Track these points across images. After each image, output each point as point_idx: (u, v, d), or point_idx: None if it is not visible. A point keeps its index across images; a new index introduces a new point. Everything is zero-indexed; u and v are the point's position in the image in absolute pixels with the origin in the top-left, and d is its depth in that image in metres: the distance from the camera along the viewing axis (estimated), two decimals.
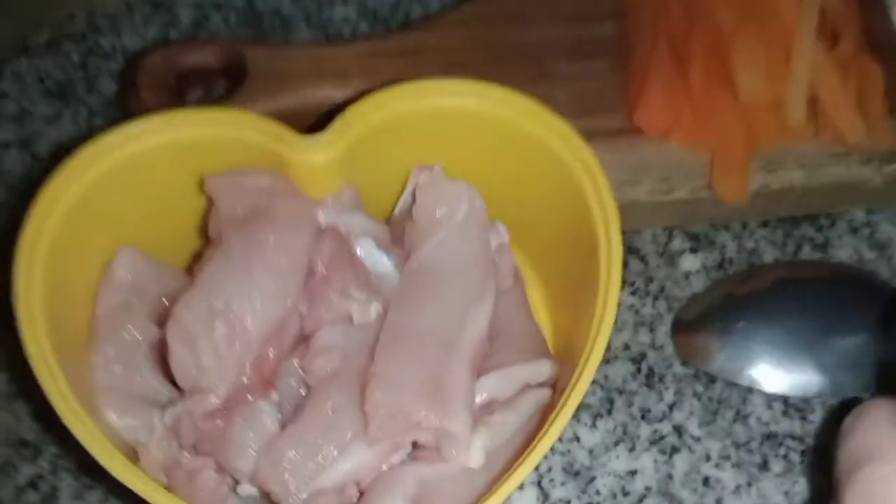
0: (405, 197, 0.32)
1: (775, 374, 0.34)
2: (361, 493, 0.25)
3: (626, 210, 0.36)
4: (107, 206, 0.28)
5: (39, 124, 0.40)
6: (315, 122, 0.38)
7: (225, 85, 0.40)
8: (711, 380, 0.34)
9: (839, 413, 0.33)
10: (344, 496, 0.25)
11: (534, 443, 0.24)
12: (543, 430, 0.25)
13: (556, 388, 0.29)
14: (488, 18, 0.41)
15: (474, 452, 0.25)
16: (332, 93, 0.38)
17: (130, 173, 0.28)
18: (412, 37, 0.40)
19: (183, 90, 0.40)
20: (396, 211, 0.33)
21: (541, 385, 0.29)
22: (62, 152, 0.38)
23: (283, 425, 0.26)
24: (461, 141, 0.31)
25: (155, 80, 0.38)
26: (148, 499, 0.23)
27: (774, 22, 0.39)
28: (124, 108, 0.39)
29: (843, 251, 0.39)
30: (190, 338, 0.26)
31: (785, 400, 0.34)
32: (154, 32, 0.44)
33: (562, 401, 0.25)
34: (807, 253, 0.38)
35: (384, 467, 0.26)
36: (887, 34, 0.43)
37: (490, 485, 0.25)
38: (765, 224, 0.39)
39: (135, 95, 0.38)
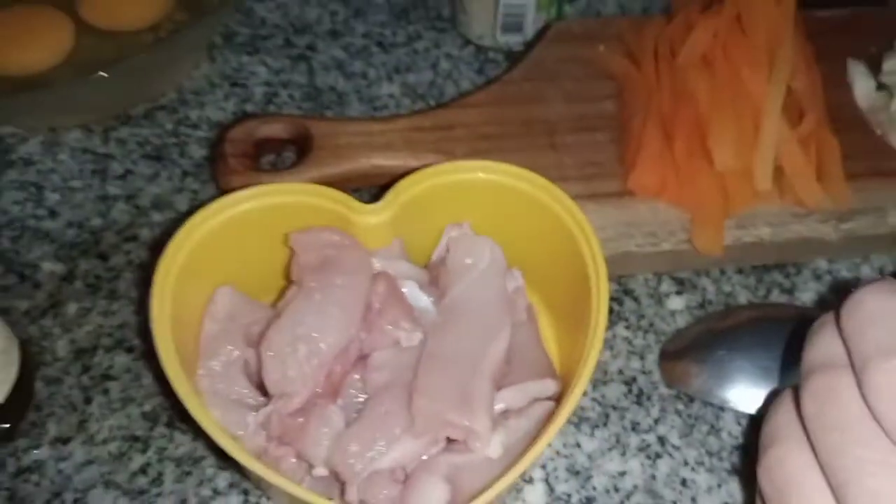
0: (440, 248, 0.40)
1: (744, 396, 0.40)
2: (407, 476, 0.33)
3: (620, 258, 0.44)
4: (214, 254, 0.36)
5: (141, 181, 0.49)
6: (366, 181, 0.47)
7: (294, 151, 0.49)
8: (690, 400, 0.41)
9: None
10: (394, 476, 0.33)
11: (536, 439, 0.32)
12: (544, 430, 0.32)
13: (560, 401, 0.37)
14: (509, 98, 0.49)
15: (494, 446, 0.33)
16: (381, 161, 0.46)
17: (233, 229, 0.36)
18: (445, 114, 0.49)
19: (258, 155, 0.48)
20: (433, 259, 0.41)
21: (548, 399, 0.37)
22: (161, 205, 0.47)
23: (347, 424, 0.34)
24: (485, 205, 0.39)
25: (238, 148, 0.47)
26: (250, 467, 0.30)
27: (746, 102, 0.46)
28: (213, 169, 0.48)
29: (808, 295, 0.46)
30: (279, 355, 0.34)
31: (751, 417, 0.41)
32: (233, 106, 0.52)
33: (558, 410, 0.33)
34: (776, 296, 0.46)
35: (424, 456, 0.33)
36: (850, 108, 0.51)
37: (505, 472, 0.32)
38: (740, 271, 0.46)
39: (222, 160, 0.46)
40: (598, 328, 0.34)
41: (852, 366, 0.27)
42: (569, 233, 0.37)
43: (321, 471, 0.33)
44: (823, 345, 0.28)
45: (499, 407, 0.35)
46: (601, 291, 0.35)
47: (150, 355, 0.42)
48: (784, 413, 0.29)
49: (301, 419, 0.34)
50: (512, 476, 0.30)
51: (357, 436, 0.33)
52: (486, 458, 0.33)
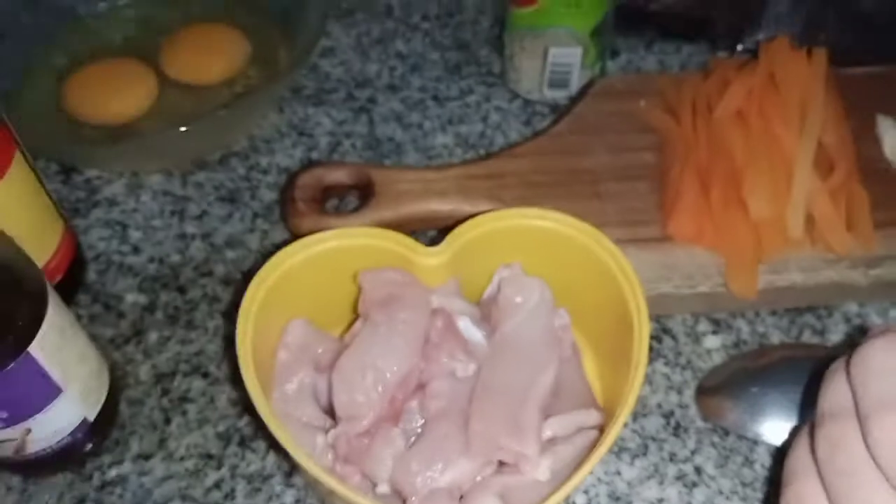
0: (492, 287, 0.44)
1: (777, 430, 0.43)
2: (462, 495, 0.36)
3: (659, 300, 0.47)
4: (290, 289, 0.40)
5: (216, 222, 0.53)
6: (423, 224, 0.51)
7: (356, 196, 0.53)
8: (726, 433, 0.44)
9: None
10: (452, 495, 0.36)
11: (581, 465, 0.35)
12: (588, 456, 0.35)
13: (603, 431, 0.40)
14: (555, 149, 0.53)
15: (542, 469, 0.36)
16: (437, 206, 0.50)
17: (309, 267, 0.40)
18: (496, 163, 0.52)
19: (324, 200, 0.52)
20: (485, 297, 0.44)
21: (591, 428, 0.39)
22: (234, 243, 0.51)
23: (407, 446, 0.37)
24: (535, 249, 0.43)
25: (306, 193, 0.51)
26: (321, 479, 0.33)
27: (778, 155, 0.49)
28: (283, 212, 0.52)
29: (838, 336, 0.48)
30: (349, 381, 0.37)
31: (777, 449, 0.43)
32: (300, 153, 0.57)
33: (601, 439, 0.36)
34: (807, 337, 0.48)
35: (479, 477, 0.36)
36: (879, 161, 0.53)
37: (551, 494, 0.35)
38: (773, 313, 0.49)
39: (292, 203, 0.50)
40: (640, 364, 0.37)
41: (857, 416, 0.30)
42: (612, 276, 0.40)
43: (384, 488, 0.37)
44: (834, 392, 0.32)
45: (546, 434, 0.38)
46: (643, 330, 0.37)
47: (223, 381, 0.46)
48: (801, 452, 0.32)
49: (366, 441, 0.37)
50: (560, 496, 0.33)
51: (418, 456, 0.36)
52: (535, 481, 0.36)
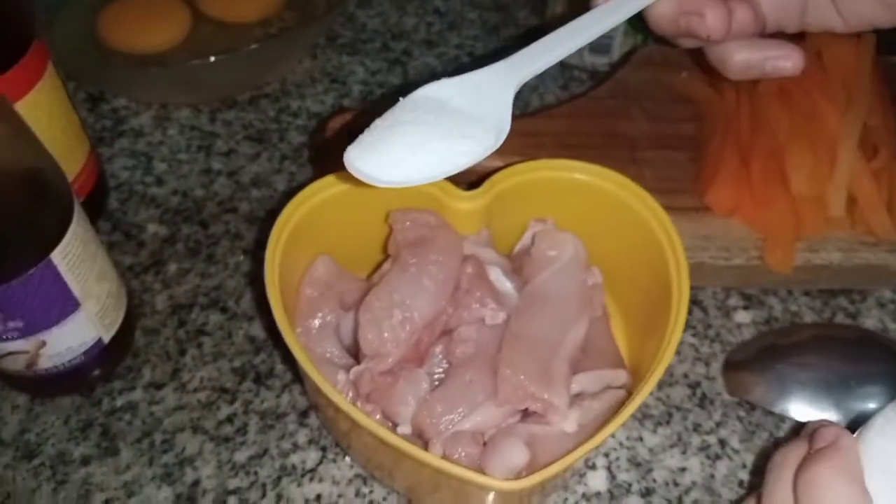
0: (524, 239, 0.43)
1: (803, 407, 0.42)
2: (485, 441, 0.35)
3: (693, 270, 0.45)
4: (319, 224, 0.39)
5: (243, 160, 0.52)
6: (452, 179, 0.50)
7: None
8: (752, 408, 0.43)
9: None
10: (475, 439, 0.35)
11: (607, 423, 0.34)
12: (616, 414, 0.34)
13: (628, 393, 0.39)
14: (593, 112, 0.52)
15: (570, 421, 0.35)
16: None
17: (339, 204, 0.39)
18: (532, 122, 0.51)
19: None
20: (516, 250, 0.43)
21: (618, 388, 0.38)
22: (260, 183, 0.50)
23: (432, 390, 0.36)
24: (571, 203, 0.42)
25: (336, 137, 0.50)
26: (343, 408, 0.32)
27: (823, 133, 0.48)
28: (312, 155, 0.51)
29: (871, 321, 0.47)
30: (376, 319, 0.36)
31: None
32: (331, 100, 0.56)
33: (630, 399, 0.34)
34: (840, 319, 0.47)
35: (503, 424, 0.35)
36: None
37: (577, 447, 0.34)
38: (807, 293, 0.48)
39: (323, 146, 0.49)
40: (676, 330, 0.35)
41: None
42: (654, 237, 0.39)
43: (405, 429, 0.36)
44: (779, 494, 0.31)
45: (574, 389, 0.37)
46: (682, 296, 0.36)
47: (241, 317, 0.45)
48: (785, 475, 0.32)
49: (390, 380, 0.36)
50: (584, 450, 0.32)
51: (443, 399, 0.35)
52: (561, 432, 0.35)
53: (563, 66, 0.59)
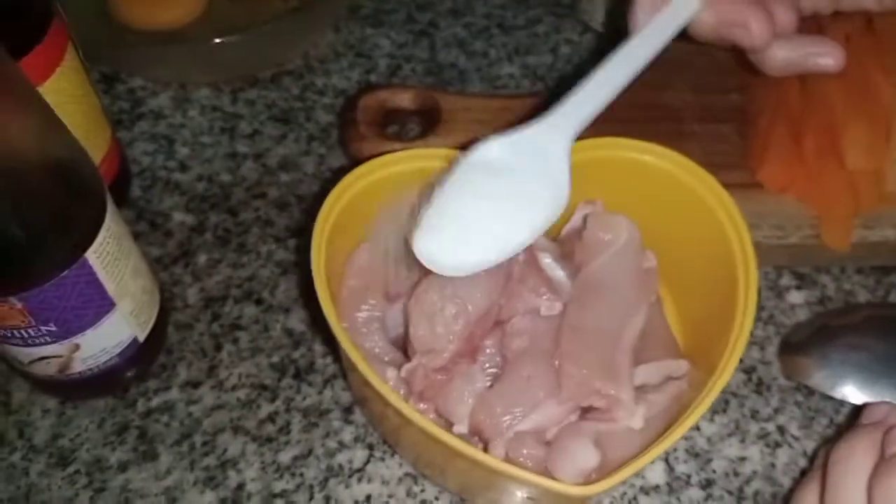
0: (573, 222, 0.41)
1: (862, 391, 0.40)
2: (548, 440, 0.34)
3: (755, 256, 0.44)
4: (362, 211, 0.37)
5: (269, 142, 0.50)
6: None
7: (417, 123, 0.50)
8: (810, 392, 0.41)
9: None
10: (539, 439, 0.33)
11: (683, 417, 0.32)
12: (689, 411, 0.32)
13: (689, 385, 0.37)
14: (635, 84, 0.50)
15: (637, 417, 0.33)
16: None
17: (382, 189, 0.37)
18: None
19: (385, 125, 0.49)
20: (564, 233, 0.41)
21: (678, 378, 0.37)
22: (289, 166, 0.48)
23: (487, 386, 0.35)
24: (621, 184, 0.40)
25: (368, 117, 0.48)
26: (397, 406, 0.30)
27: (877, 106, 0.46)
28: (342, 135, 0.49)
29: None
30: (428, 313, 0.34)
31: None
32: (357, 76, 0.53)
33: (704, 391, 0.33)
34: (894, 297, 0.45)
35: (565, 422, 0.34)
36: None
37: (644, 445, 0.33)
38: (860, 271, 0.46)
39: (353, 126, 0.47)
40: (747, 320, 0.33)
41: None
42: (715, 220, 0.37)
43: (461, 428, 0.34)
44: (848, 495, 0.30)
45: (636, 381, 0.35)
46: (749, 284, 0.34)
47: (277, 309, 0.43)
48: None
49: (443, 377, 0.35)
50: (661, 448, 0.31)
51: (501, 397, 0.34)
52: (627, 429, 0.33)
53: (598, 35, 0.56)
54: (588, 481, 0.31)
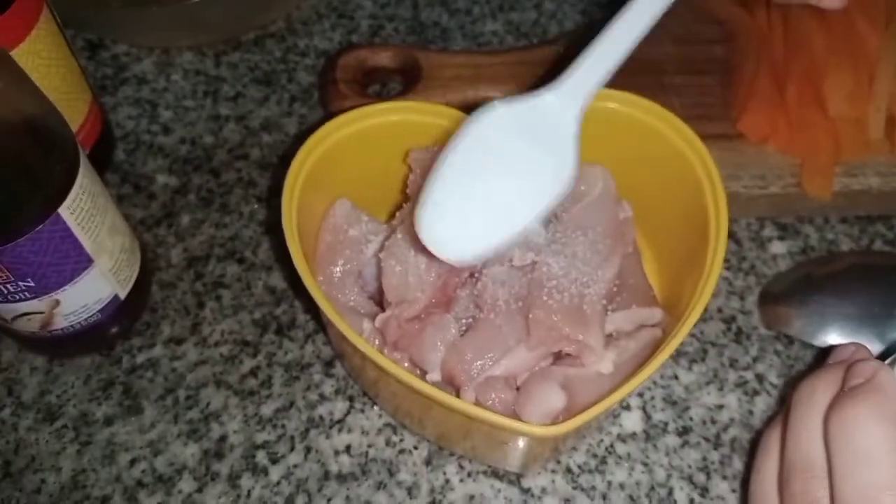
0: None
1: (844, 339, 0.40)
2: (518, 385, 0.34)
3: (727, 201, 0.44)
4: (336, 165, 0.37)
5: (251, 104, 0.50)
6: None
7: (399, 82, 0.50)
8: (790, 341, 0.41)
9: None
10: (508, 384, 0.34)
11: (648, 361, 0.32)
12: (655, 354, 0.33)
13: (664, 332, 0.37)
14: None
15: (606, 362, 0.34)
16: (488, 93, 0.47)
17: (357, 143, 0.37)
18: (551, 50, 0.49)
19: (366, 84, 0.49)
20: None
21: (653, 326, 0.37)
22: (271, 127, 0.48)
23: (460, 334, 0.35)
24: (596, 133, 0.39)
25: (348, 74, 0.48)
26: (371, 356, 0.31)
27: (861, 52, 0.46)
28: (322, 95, 0.49)
29: None
30: (401, 263, 0.35)
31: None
32: (339, 37, 0.53)
33: (672, 333, 0.33)
34: (878, 246, 0.45)
35: (536, 367, 0.34)
36: None
37: (614, 388, 0.33)
38: (844, 220, 0.46)
39: (333, 85, 0.47)
40: (716, 264, 0.33)
41: (832, 491, 0.28)
42: (688, 167, 0.37)
43: (435, 376, 0.34)
44: (806, 443, 0.30)
45: (608, 328, 0.36)
46: (720, 228, 0.34)
47: (259, 267, 0.44)
48: (768, 479, 0.31)
49: (417, 326, 0.35)
50: (622, 393, 0.31)
51: (473, 344, 0.34)
52: (597, 373, 0.34)
53: None
54: (554, 423, 0.31)
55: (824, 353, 0.39)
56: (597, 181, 0.39)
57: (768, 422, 0.38)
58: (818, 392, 0.30)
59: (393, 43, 0.53)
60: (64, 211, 0.33)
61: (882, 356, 0.39)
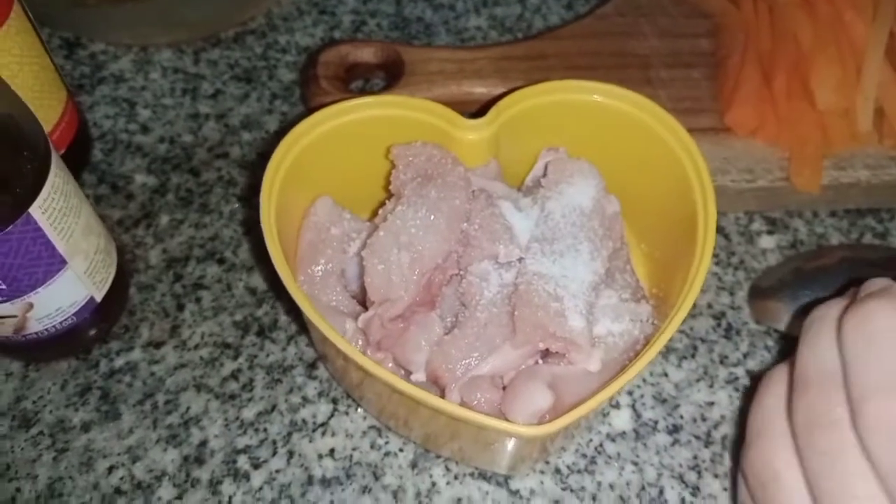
0: (536, 170, 0.40)
1: None
2: (504, 384, 0.33)
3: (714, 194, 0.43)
4: (317, 162, 0.36)
5: (231, 102, 0.49)
6: (454, 109, 0.47)
7: (382, 78, 0.49)
8: (781, 336, 0.41)
9: None
10: (494, 383, 0.33)
11: (637, 358, 0.32)
12: (644, 351, 0.32)
13: (653, 328, 0.37)
14: (602, 32, 0.49)
15: (593, 360, 0.33)
16: (472, 88, 0.46)
17: (337, 139, 0.36)
18: (538, 44, 0.48)
19: (349, 80, 0.48)
20: (528, 180, 0.40)
21: (642, 322, 0.36)
22: (251, 125, 0.47)
23: (445, 333, 0.34)
24: (584, 128, 0.39)
25: (330, 70, 0.47)
26: (355, 358, 0.30)
27: (848, 44, 0.45)
28: (304, 92, 0.48)
29: None
30: (383, 261, 0.34)
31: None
32: (321, 33, 0.52)
33: (661, 329, 0.32)
34: (868, 240, 0.45)
35: (522, 366, 0.33)
36: None
37: (602, 386, 0.32)
38: (833, 214, 0.45)
39: (314, 81, 0.46)
40: (704, 259, 0.33)
41: (848, 391, 0.26)
42: (676, 161, 0.36)
43: (420, 376, 0.34)
44: (821, 354, 0.28)
45: (596, 326, 0.35)
46: (709, 226, 0.34)
47: (240, 268, 0.43)
48: (773, 409, 0.29)
49: (401, 325, 0.34)
50: (613, 389, 0.30)
51: (458, 343, 0.33)
52: (584, 372, 0.33)
53: None
54: (541, 422, 0.31)
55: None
56: (583, 177, 0.38)
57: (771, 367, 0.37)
58: (832, 312, 0.28)
59: (376, 38, 0.52)
60: (35, 211, 0.32)
61: None
